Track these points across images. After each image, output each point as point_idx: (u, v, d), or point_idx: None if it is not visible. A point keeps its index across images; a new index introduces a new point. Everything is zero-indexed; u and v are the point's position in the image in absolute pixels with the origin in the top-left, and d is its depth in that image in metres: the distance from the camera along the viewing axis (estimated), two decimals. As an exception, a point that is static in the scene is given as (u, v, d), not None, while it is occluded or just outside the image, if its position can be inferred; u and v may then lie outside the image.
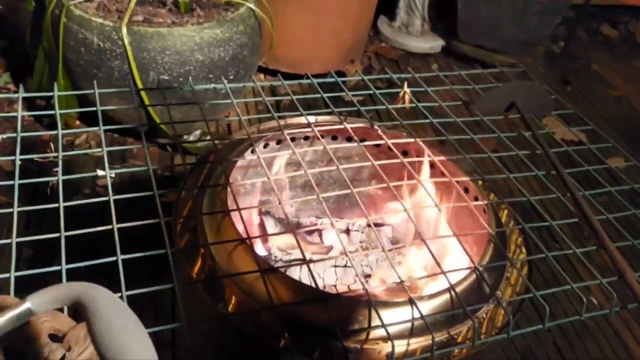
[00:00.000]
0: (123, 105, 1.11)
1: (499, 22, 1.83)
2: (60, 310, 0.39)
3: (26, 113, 1.32)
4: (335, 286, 0.72)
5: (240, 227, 0.63)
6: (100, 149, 0.67)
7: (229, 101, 0.79)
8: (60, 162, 0.68)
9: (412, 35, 1.93)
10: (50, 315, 0.36)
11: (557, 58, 2.02)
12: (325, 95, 0.82)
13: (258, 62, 1.40)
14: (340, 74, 1.67)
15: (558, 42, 2.10)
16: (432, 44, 1.92)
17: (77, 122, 1.36)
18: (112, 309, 0.27)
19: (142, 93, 1.16)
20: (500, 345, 1.08)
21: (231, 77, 1.23)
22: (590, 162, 0.80)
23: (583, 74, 2.00)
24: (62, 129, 0.70)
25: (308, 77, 0.87)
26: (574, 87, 1.92)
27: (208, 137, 0.75)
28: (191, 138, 1.36)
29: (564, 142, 0.84)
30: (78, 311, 0.28)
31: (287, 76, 0.90)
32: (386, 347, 0.55)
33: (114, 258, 0.53)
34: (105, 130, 0.70)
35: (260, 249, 0.78)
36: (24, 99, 0.76)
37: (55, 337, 0.35)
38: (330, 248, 0.79)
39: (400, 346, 0.55)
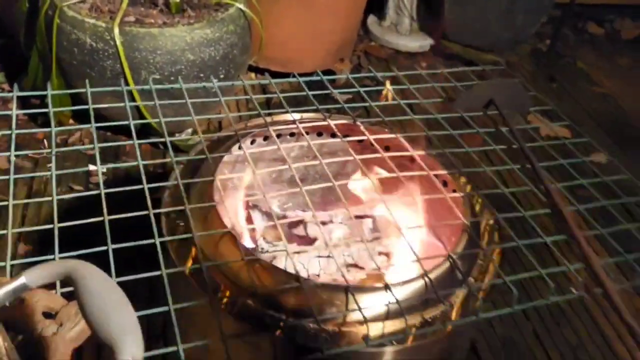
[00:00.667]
0: (115, 104, 1.14)
1: (486, 21, 1.87)
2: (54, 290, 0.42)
3: (20, 111, 1.35)
4: (318, 275, 0.75)
5: (226, 219, 0.66)
6: (92, 146, 0.70)
7: (218, 99, 0.82)
8: (53, 158, 0.71)
9: (401, 35, 1.97)
10: (43, 295, 0.39)
11: (544, 56, 2.06)
12: (313, 93, 0.86)
13: (248, 61, 1.43)
14: (330, 72, 1.70)
15: (544, 40, 2.13)
16: (421, 42, 1.96)
17: (71, 121, 1.38)
18: (101, 284, 0.30)
19: (134, 92, 1.19)
20: (483, 334, 1.12)
21: (222, 76, 1.26)
22: (572, 157, 0.82)
23: (569, 72, 2.04)
24: (56, 126, 0.73)
25: (294, 76, 0.90)
26: (559, 84, 1.95)
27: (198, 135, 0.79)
28: (182, 136, 1.40)
29: (548, 138, 0.87)
30: (69, 285, 0.32)
31: (278, 75, 0.94)
32: (362, 330, 0.58)
33: (104, 247, 0.56)
34: (98, 128, 0.73)
35: (247, 241, 0.81)
36: (18, 97, 0.79)
37: (49, 315, 0.38)
38: (315, 240, 0.83)
39: (376, 329, 0.58)
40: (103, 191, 0.63)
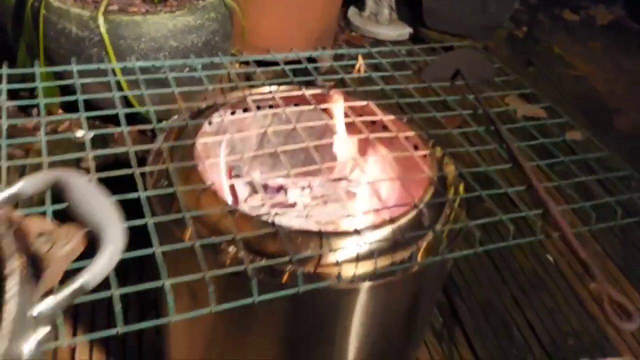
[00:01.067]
0: (104, 94, 1.18)
1: (462, 9, 1.92)
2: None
3: (10, 103, 1.39)
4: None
5: (207, 177, 0.70)
6: (82, 133, 0.74)
7: (203, 88, 0.86)
8: (43, 145, 0.74)
9: (381, 24, 2.02)
10: (37, 220, 0.43)
11: (520, 42, 2.12)
12: (298, 79, 0.90)
13: (230, 49, 1.48)
14: (312, 60, 1.75)
15: (521, 27, 2.19)
16: (400, 31, 2.01)
17: (60, 111, 1.42)
18: (87, 186, 0.35)
19: (122, 81, 1.23)
20: (464, 300, 1.16)
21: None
22: (550, 136, 0.86)
23: (545, 56, 2.10)
24: (45, 116, 0.76)
25: (277, 64, 0.94)
26: (536, 68, 2.01)
27: (184, 121, 0.84)
28: (169, 123, 1.44)
29: (526, 119, 0.91)
30: (58, 190, 0.36)
31: (261, 64, 0.97)
32: (335, 271, 0.63)
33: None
34: (87, 117, 0.77)
35: (227, 197, 0.85)
36: (8, 89, 0.83)
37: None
38: (294, 204, 0.87)
39: (349, 270, 0.63)
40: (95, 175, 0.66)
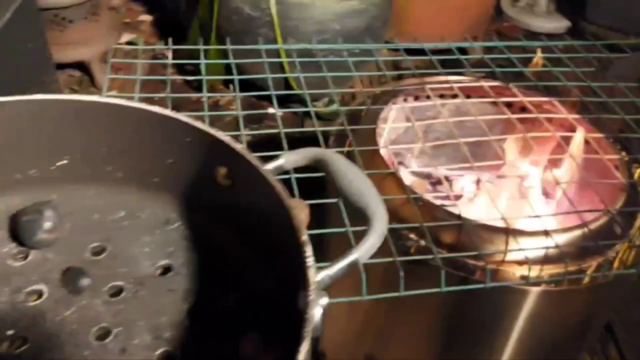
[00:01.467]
0: (260, 75, 1.24)
1: (631, 1, 1.78)
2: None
3: (177, 77, 1.50)
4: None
5: (389, 162, 0.71)
6: (236, 113, 0.77)
7: (354, 74, 0.86)
8: (206, 119, 0.78)
9: (537, 15, 1.92)
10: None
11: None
12: (446, 71, 0.88)
13: (385, 35, 1.48)
14: (462, 50, 1.71)
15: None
16: (557, 24, 1.90)
17: (221, 87, 1.51)
18: (350, 165, 0.37)
19: (284, 63, 1.27)
20: (620, 317, 1.09)
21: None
22: None
23: None
24: (208, 91, 0.81)
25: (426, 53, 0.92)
26: None
27: (334, 105, 0.85)
28: (320, 105, 1.48)
29: None
30: (319, 167, 0.38)
31: (409, 52, 0.97)
32: (520, 270, 0.61)
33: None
34: (243, 96, 0.81)
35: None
36: (175, 64, 0.88)
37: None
38: (460, 197, 0.86)
39: (534, 270, 0.61)
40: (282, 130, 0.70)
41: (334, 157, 0.37)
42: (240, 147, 0.37)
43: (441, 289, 0.57)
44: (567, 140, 0.78)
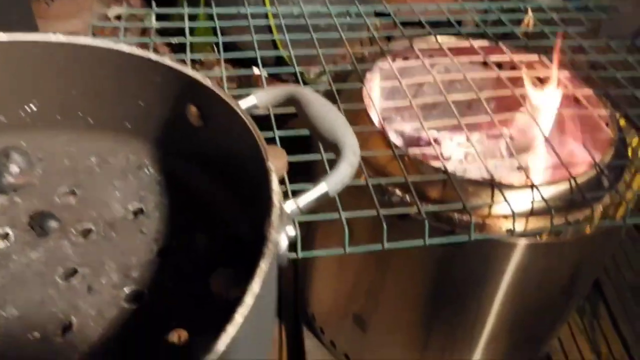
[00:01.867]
0: (243, 37, 1.22)
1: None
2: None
3: (160, 39, 1.48)
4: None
5: (375, 121, 0.70)
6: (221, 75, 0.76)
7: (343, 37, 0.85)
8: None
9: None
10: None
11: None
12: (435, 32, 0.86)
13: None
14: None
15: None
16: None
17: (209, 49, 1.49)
18: (321, 99, 0.36)
19: (272, 26, 1.25)
20: (612, 281, 1.09)
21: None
22: None
23: None
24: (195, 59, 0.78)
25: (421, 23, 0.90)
26: None
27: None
28: (311, 74, 1.46)
29: None
30: (292, 104, 0.37)
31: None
32: (506, 223, 0.61)
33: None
34: (226, 59, 0.79)
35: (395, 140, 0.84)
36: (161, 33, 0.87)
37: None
38: (449, 159, 0.85)
39: (520, 224, 0.61)
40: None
41: (307, 94, 0.36)
42: (210, 84, 0.36)
43: (425, 241, 0.56)
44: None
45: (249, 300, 0.24)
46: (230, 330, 0.22)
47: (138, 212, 0.38)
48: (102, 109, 0.42)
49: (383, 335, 0.78)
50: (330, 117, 0.35)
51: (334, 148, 0.34)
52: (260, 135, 0.32)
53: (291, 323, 0.98)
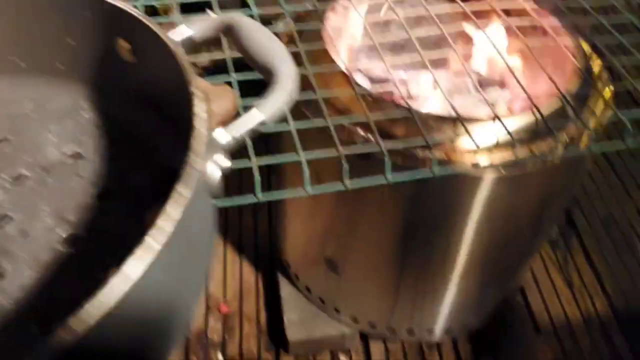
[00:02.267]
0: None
1: None
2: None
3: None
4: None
5: (338, 60, 0.68)
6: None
7: None
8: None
9: None
10: (200, 79, 0.43)
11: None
12: None
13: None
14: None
15: None
16: None
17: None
18: (259, 26, 0.34)
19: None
20: (583, 213, 1.10)
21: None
22: None
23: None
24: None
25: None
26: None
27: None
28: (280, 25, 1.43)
29: None
30: (229, 35, 0.35)
31: None
32: (471, 157, 0.60)
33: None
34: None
35: (359, 80, 0.82)
36: None
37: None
38: (416, 98, 0.84)
39: (485, 158, 0.60)
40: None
41: (244, 21, 0.34)
42: (139, 14, 0.34)
43: (386, 178, 0.55)
44: (524, 30, 0.75)
45: (164, 225, 0.23)
46: (140, 254, 0.21)
47: (75, 156, 0.37)
48: (33, 50, 0.39)
49: (356, 277, 0.79)
50: (266, 42, 0.33)
51: (269, 74, 0.32)
52: (186, 61, 0.30)
53: (267, 271, 0.98)
